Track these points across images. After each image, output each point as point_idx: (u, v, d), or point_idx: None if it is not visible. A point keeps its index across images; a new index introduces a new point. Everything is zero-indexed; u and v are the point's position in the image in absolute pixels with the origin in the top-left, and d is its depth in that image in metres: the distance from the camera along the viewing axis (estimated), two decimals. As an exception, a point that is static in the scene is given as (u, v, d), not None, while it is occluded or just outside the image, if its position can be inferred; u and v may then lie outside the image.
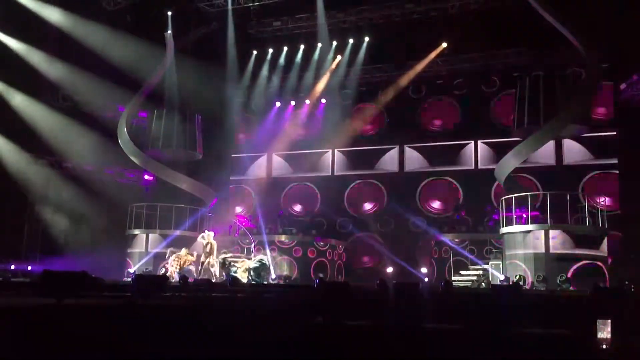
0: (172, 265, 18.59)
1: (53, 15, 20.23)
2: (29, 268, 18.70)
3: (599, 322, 7.07)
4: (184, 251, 19.06)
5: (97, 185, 21.45)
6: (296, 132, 26.31)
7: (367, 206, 25.18)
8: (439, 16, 22.36)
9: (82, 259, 17.83)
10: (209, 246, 18.57)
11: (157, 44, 21.84)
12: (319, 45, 24.38)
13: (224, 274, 18.01)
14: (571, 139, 21.94)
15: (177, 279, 16.18)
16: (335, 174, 25.91)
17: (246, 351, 6.32)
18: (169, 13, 21.67)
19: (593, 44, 18.06)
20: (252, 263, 18.76)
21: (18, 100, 20.70)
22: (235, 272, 18.08)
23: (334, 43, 24.27)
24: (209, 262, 18.54)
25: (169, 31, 21.80)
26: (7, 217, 20.45)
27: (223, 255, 18.51)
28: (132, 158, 21.25)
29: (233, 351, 6.31)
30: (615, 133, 20.96)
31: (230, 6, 22.38)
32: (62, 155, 21.63)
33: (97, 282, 10.26)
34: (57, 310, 6.30)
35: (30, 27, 20.14)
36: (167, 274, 18.05)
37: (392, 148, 25.18)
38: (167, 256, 19.16)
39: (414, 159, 24.96)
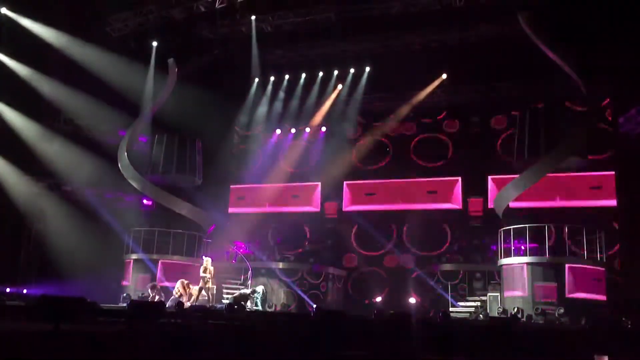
0: (177, 293, 18.46)
1: (57, 39, 20.44)
2: (25, 291, 18.57)
3: (596, 357, 7.03)
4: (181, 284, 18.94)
5: (95, 209, 21.43)
6: (293, 164, 26.26)
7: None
8: (440, 47, 22.61)
9: (79, 283, 17.72)
10: (206, 271, 18.48)
11: (160, 70, 22.06)
12: (320, 74, 24.62)
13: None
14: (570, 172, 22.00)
15: (172, 305, 16.09)
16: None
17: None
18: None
19: (592, 78, 18.25)
20: (248, 292, 18.73)
21: (19, 122, 20.81)
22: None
23: (335, 72, 24.51)
24: (207, 288, 18.43)
25: (171, 58, 22.02)
26: (5, 239, 20.39)
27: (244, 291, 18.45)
28: (132, 182, 21.27)
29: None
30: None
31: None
32: (62, 179, 21.66)
33: (94, 307, 10.18)
34: (56, 337, 6.26)
35: (34, 51, 20.32)
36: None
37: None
38: (148, 289, 19.05)
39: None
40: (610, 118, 21.66)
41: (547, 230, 17.95)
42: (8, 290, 18.45)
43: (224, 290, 21.05)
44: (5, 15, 19.58)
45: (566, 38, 18.85)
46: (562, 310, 16.75)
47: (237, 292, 18.88)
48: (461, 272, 20.65)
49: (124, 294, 20.14)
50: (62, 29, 20.41)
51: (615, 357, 7.26)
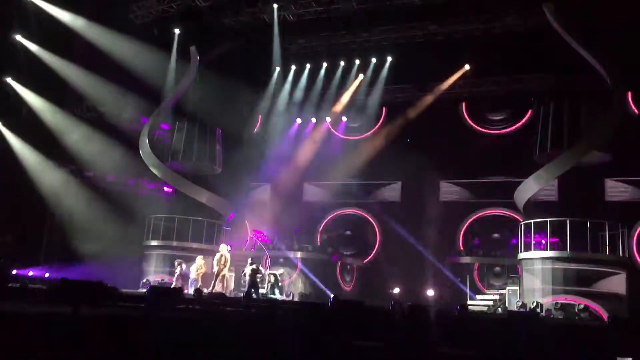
0: (193, 274, 18.72)
1: (81, 26, 20.60)
2: (47, 275, 18.88)
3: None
4: (201, 260, 19.15)
5: (116, 196, 21.65)
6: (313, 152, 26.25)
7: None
8: (463, 38, 22.36)
9: (99, 268, 17.94)
10: (223, 259, 18.58)
11: (182, 58, 22.13)
12: (342, 63, 24.51)
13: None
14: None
15: (192, 289, 16.23)
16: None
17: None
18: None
19: (618, 71, 17.92)
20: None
21: (43, 108, 21.07)
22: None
23: (357, 62, 24.38)
24: (223, 275, 18.54)
25: (193, 46, 22.07)
26: (28, 224, 20.70)
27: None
28: (153, 170, 21.42)
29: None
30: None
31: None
32: (84, 165, 21.92)
33: (113, 291, 10.31)
34: (74, 319, 6.34)
35: (58, 38, 20.52)
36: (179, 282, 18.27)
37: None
38: (175, 265, 19.31)
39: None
40: (636, 111, 21.33)
41: (569, 225, 17.69)
42: (30, 274, 18.79)
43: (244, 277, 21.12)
44: (31, 2, 19.77)
45: (591, 29, 18.53)
46: (582, 306, 16.56)
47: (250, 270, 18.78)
48: (480, 265, 20.54)
49: (144, 280, 20.36)
50: (86, 15, 20.55)
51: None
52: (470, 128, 24.49)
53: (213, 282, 18.65)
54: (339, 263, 22.06)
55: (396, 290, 21.71)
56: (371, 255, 24.49)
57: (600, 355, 7.93)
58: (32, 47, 20.54)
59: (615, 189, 21.82)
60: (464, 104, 24.67)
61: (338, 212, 25.89)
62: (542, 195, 20.33)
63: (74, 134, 21.48)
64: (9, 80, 20.68)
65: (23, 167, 20.56)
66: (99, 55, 20.56)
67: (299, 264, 21.36)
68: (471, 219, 23.41)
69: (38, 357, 5.16)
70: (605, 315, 16.00)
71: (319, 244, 24.35)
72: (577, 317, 16.27)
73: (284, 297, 19.21)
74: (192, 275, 18.92)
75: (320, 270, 21.35)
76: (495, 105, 24.10)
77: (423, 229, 23.33)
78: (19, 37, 20.29)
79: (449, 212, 23.50)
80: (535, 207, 18.96)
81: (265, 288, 18.98)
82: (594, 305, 16.61)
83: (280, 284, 19.51)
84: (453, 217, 23.61)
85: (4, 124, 20.66)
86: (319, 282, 21.05)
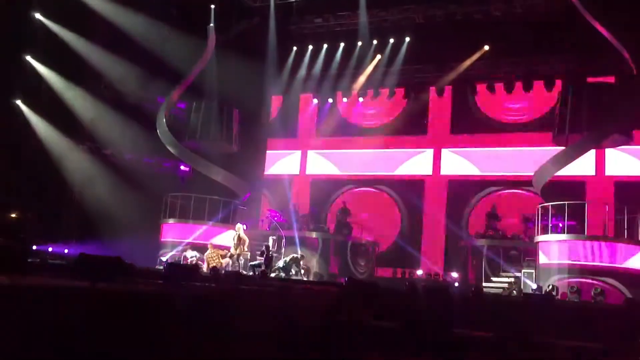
0: (213, 260, 18.78)
1: (100, 4, 20.63)
2: (66, 251, 19.15)
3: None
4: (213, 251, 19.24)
5: (134, 174, 21.82)
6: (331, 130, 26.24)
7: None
8: (483, 18, 22.05)
9: (117, 244, 18.14)
10: (238, 238, 18.68)
11: (200, 37, 22.10)
12: (359, 43, 24.30)
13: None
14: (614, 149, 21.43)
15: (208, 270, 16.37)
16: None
17: (268, 344, 6.35)
18: (212, 6, 21.88)
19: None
20: (281, 261, 18.91)
21: (62, 86, 21.20)
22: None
23: (374, 42, 24.16)
24: (238, 255, 18.67)
25: (212, 24, 22.02)
26: (47, 201, 20.96)
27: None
28: (169, 148, 21.54)
29: (255, 343, 6.35)
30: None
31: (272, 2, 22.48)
32: (102, 143, 22.09)
33: (130, 267, 10.43)
34: (92, 293, 6.44)
35: (77, 16, 20.57)
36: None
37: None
38: (182, 252, 19.48)
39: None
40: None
41: (587, 208, 17.53)
42: (50, 249, 19.08)
43: (258, 258, 21.25)
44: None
45: (615, 10, 18.17)
46: (598, 290, 16.46)
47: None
48: (495, 247, 20.44)
49: (161, 257, 20.57)
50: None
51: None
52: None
53: (229, 261, 18.79)
54: (356, 243, 22.07)
55: (419, 272, 21.66)
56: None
57: (618, 337, 7.89)
58: (51, 25, 20.62)
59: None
60: (475, 97, 24.33)
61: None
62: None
63: (92, 112, 21.62)
64: (28, 58, 20.81)
65: (43, 145, 20.76)
66: (117, 34, 20.61)
67: (316, 244, 21.42)
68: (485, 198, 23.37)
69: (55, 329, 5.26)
70: (624, 296, 15.91)
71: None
72: (593, 301, 16.19)
73: (301, 277, 19.29)
74: (204, 265, 18.86)
75: (335, 251, 21.41)
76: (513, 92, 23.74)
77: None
78: (38, 15, 20.38)
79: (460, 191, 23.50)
80: (552, 188, 18.81)
81: (278, 269, 19.02)
82: (612, 285, 16.51)
83: (300, 264, 19.49)
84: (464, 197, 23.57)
85: (23, 102, 20.84)
86: (334, 263, 21.11)
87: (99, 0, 20.56)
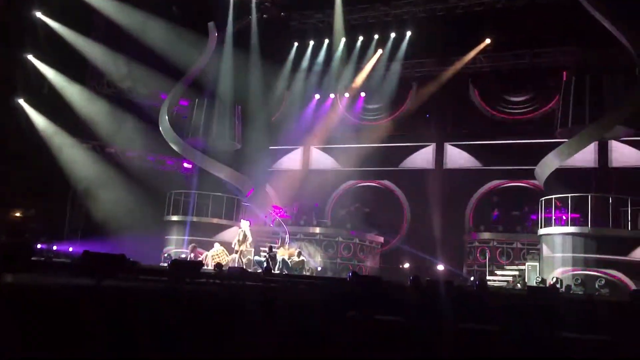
0: (219, 256, 18.78)
1: (101, 2, 20.62)
2: (70, 249, 19.21)
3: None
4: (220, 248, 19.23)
5: (137, 171, 21.86)
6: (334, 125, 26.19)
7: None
8: (484, 11, 21.97)
9: (121, 242, 18.19)
10: (242, 235, 18.70)
11: (201, 34, 22.08)
12: (360, 38, 24.24)
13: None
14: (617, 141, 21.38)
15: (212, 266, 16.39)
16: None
17: (276, 341, 6.35)
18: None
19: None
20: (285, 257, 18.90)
21: (64, 85, 21.22)
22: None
23: (376, 36, 24.11)
24: (242, 251, 18.69)
25: (212, 21, 22.02)
26: (51, 199, 21.01)
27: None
28: (173, 145, 21.57)
29: (262, 340, 6.35)
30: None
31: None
32: (105, 141, 22.12)
33: (134, 265, 10.46)
34: (97, 291, 6.46)
35: (78, 14, 20.58)
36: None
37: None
38: (189, 250, 19.48)
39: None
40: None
41: (590, 200, 17.49)
42: (55, 248, 19.14)
43: (262, 254, 21.28)
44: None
45: (619, 1, 18.07)
46: (602, 282, 16.45)
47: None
48: (499, 240, 20.42)
49: (165, 254, 20.62)
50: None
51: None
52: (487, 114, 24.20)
53: (236, 258, 18.81)
54: (360, 239, 22.06)
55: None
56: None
57: (622, 330, 7.87)
58: (52, 23, 20.64)
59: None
60: (476, 92, 24.25)
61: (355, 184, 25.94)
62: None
63: (94, 110, 21.64)
64: (29, 57, 20.83)
65: (46, 143, 20.80)
66: (119, 32, 20.61)
67: (320, 239, 21.43)
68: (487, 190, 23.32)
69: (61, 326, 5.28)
70: (630, 287, 15.89)
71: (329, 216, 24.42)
72: (597, 293, 16.18)
73: (305, 272, 19.31)
74: (209, 263, 18.87)
75: (338, 247, 21.41)
76: (516, 85, 23.64)
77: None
78: (39, 14, 20.39)
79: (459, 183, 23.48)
80: (556, 180, 18.75)
81: (279, 265, 19.00)
82: (617, 276, 16.47)
83: (304, 261, 19.48)
84: (465, 190, 23.56)
85: (26, 101, 20.87)
86: (338, 258, 21.12)
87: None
